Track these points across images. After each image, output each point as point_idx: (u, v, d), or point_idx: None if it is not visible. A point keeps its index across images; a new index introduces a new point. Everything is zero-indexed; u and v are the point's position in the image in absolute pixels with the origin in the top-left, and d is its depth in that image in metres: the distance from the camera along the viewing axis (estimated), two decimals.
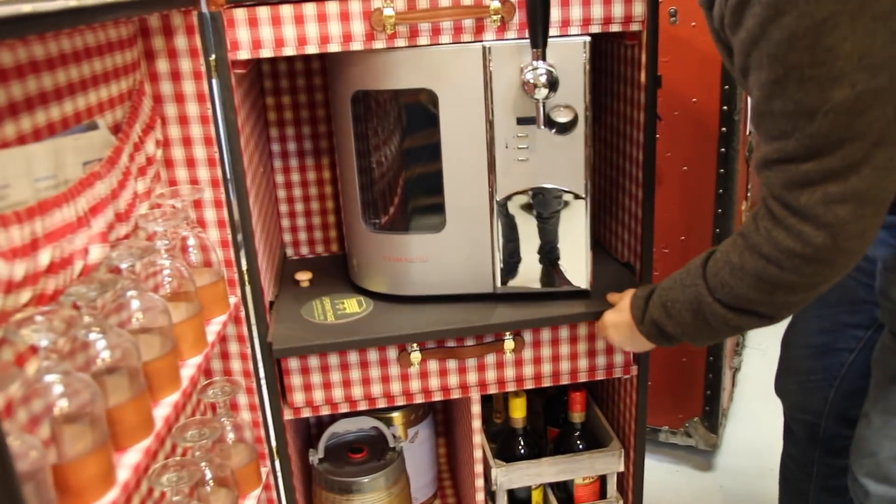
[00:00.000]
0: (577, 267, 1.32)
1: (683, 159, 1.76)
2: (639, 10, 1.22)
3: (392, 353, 1.33)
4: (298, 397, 1.34)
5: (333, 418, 1.59)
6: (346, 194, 1.40)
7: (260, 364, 1.32)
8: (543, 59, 1.16)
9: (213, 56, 1.15)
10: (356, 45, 1.18)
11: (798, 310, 1.01)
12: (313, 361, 1.32)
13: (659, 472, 1.99)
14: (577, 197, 1.27)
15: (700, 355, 1.87)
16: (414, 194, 1.32)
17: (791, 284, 0.94)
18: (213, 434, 1.16)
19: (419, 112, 1.27)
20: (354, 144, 1.33)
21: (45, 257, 0.79)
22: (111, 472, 0.83)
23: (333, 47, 1.18)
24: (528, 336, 1.35)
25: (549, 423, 1.66)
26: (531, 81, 1.16)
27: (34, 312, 0.78)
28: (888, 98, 0.84)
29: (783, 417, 1.46)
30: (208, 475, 1.17)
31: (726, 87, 1.67)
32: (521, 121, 1.23)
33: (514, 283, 1.34)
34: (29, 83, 0.85)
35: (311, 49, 1.17)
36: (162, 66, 1.15)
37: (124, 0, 0.95)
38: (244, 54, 1.16)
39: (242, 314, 1.28)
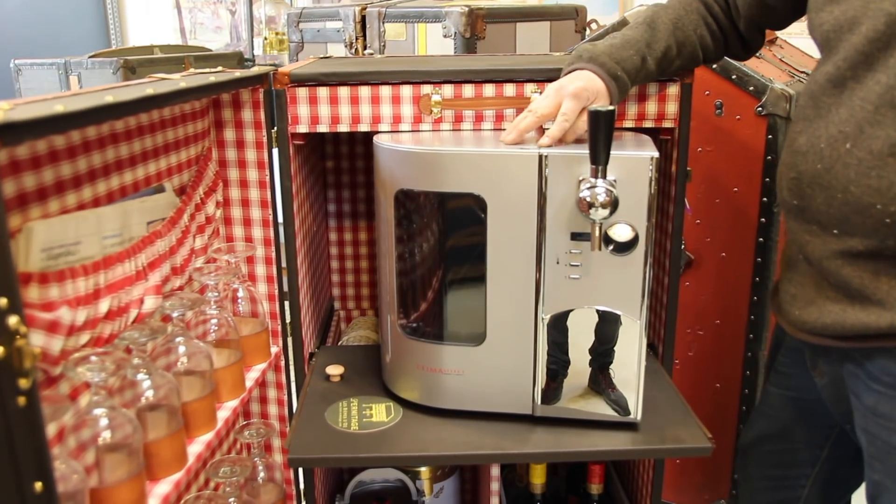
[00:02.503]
0: (626, 395, 1.20)
1: (722, 245, 1.81)
2: (672, 108, 1.30)
3: None
4: None
5: (363, 467, 1.67)
6: (383, 290, 1.29)
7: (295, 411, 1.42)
8: (603, 176, 1.06)
9: (276, 128, 1.28)
10: (405, 126, 1.29)
11: None
12: None
13: None
14: (632, 321, 1.16)
15: (728, 437, 1.89)
16: (453, 303, 1.22)
17: None
18: (243, 472, 1.26)
19: (465, 217, 1.17)
20: (395, 244, 1.22)
21: (104, 306, 0.91)
22: (143, 500, 0.94)
23: (384, 127, 1.29)
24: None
25: (570, 492, 1.71)
26: (587, 200, 1.06)
27: (90, 353, 0.90)
28: None
29: None
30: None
31: (767, 179, 1.72)
32: (576, 236, 1.13)
33: (555, 406, 1.22)
34: (108, 152, 0.99)
35: (364, 128, 1.29)
36: (229, 134, 1.28)
37: (196, 85, 1.09)
38: (303, 128, 1.28)
39: (282, 363, 1.38)
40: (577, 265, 1.14)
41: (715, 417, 1.90)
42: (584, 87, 1.13)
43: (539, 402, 1.22)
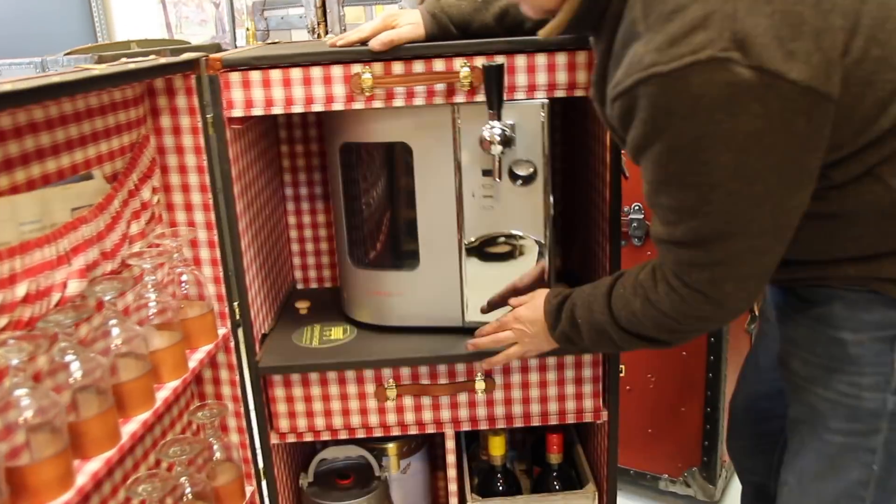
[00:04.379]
0: None
1: None
2: (582, 77, 1.31)
3: (370, 387, 1.44)
4: (284, 423, 1.46)
5: (326, 445, 1.70)
6: (338, 234, 1.55)
7: (248, 390, 1.45)
8: (499, 119, 1.27)
9: (211, 114, 1.30)
10: (337, 106, 1.31)
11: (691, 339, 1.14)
12: (297, 391, 1.44)
13: None
14: (538, 242, 1.40)
15: (697, 404, 1.90)
16: (392, 235, 1.47)
17: (686, 331, 1.06)
18: (192, 450, 1.29)
19: (397, 163, 1.41)
20: (342, 190, 1.48)
21: (21, 290, 0.94)
22: (69, 477, 0.97)
23: (317, 107, 1.31)
24: (498, 378, 1.44)
25: (535, 463, 1.73)
26: (487, 139, 1.28)
27: (8, 336, 0.92)
28: (764, 200, 0.91)
29: None
30: (188, 489, 1.30)
31: None
32: (486, 173, 1.36)
33: (480, 318, 1.44)
34: (26, 141, 1.01)
35: (297, 109, 1.31)
36: (165, 121, 1.30)
37: (131, 69, 1.12)
38: (238, 112, 1.30)
39: (232, 344, 1.41)
40: (489, 196, 1.38)
41: (682, 385, 1.91)
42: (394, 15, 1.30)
43: (468, 316, 1.45)
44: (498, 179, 1.34)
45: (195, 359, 1.29)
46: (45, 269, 0.99)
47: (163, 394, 1.18)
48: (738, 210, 0.91)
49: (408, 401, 1.46)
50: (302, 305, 1.64)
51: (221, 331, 1.39)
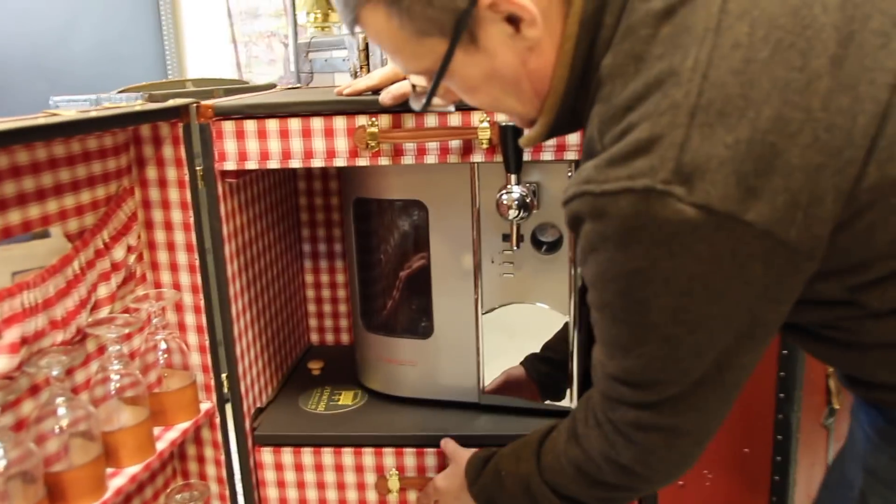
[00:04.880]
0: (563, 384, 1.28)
1: None
2: None
3: (370, 476, 1.27)
4: None
5: None
6: (352, 294, 1.44)
7: (236, 469, 1.30)
8: (517, 182, 1.14)
9: (202, 166, 1.17)
10: (339, 162, 1.16)
11: None
12: (289, 476, 1.29)
13: None
14: (561, 315, 1.24)
15: (766, 448, 1.65)
16: (406, 299, 1.36)
17: (609, 484, 0.87)
18: None
19: (411, 222, 1.30)
20: (356, 246, 1.37)
21: None
22: None
23: (317, 163, 1.17)
24: None
25: None
26: (505, 203, 1.14)
27: None
28: (707, 352, 0.74)
29: None
30: None
31: None
32: (507, 237, 1.23)
33: (499, 394, 1.31)
34: None
35: (295, 163, 1.17)
36: (151, 173, 1.18)
37: (107, 115, 1.00)
38: (231, 165, 1.17)
39: (218, 420, 1.27)
40: (510, 263, 1.23)
41: (744, 487, 1.67)
42: None
43: (483, 390, 1.31)
44: (515, 248, 1.20)
45: (167, 438, 1.15)
46: None
47: (118, 481, 1.04)
48: (676, 357, 0.75)
49: (412, 494, 1.28)
50: (315, 366, 1.53)
51: (206, 405, 1.25)
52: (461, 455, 1.14)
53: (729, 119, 0.65)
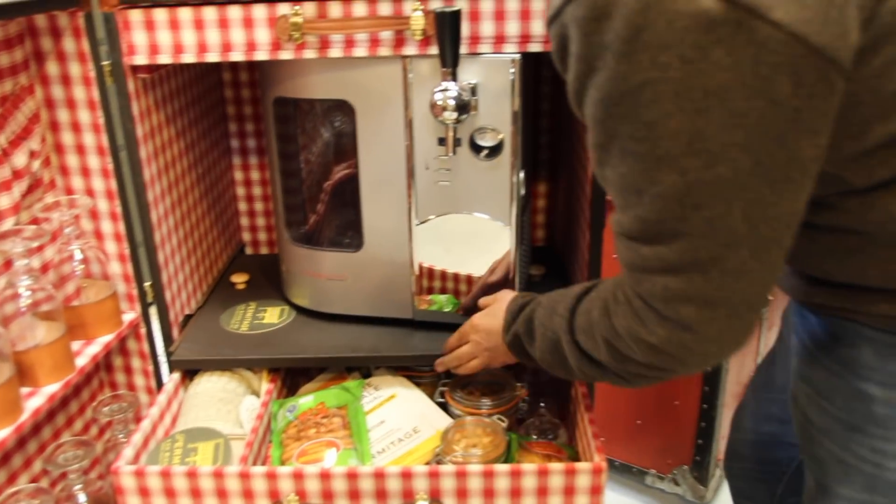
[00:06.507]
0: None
1: None
2: (538, 29, 1.05)
3: (262, 502, 1.02)
4: None
5: None
6: (275, 200, 1.31)
7: (165, 380, 1.26)
8: (453, 79, 1.03)
9: (109, 60, 1.06)
10: (261, 55, 1.07)
11: (655, 383, 0.84)
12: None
13: None
14: (504, 227, 1.15)
15: (693, 400, 1.68)
16: (332, 209, 1.25)
17: (640, 363, 0.78)
18: (88, 455, 1.11)
19: (337, 124, 1.19)
20: (277, 151, 1.25)
21: None
22: None
23: (236, 56, 1.07)
24: (449, 502, 1.01)
25: None
26: (439, 104, 1.04)
27: None
28: (732, 194, 0.65)
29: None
30: (82, 499, 1.13)
31: None
32: (443, 141, 1.11)
33: (433, 310, 1.23)
34: None
35: (213, 57, 1.07)
36: (52, 68, 1.08)
37: None
38: (141, 59, 1.07)
39: (143, 331, 1.21)
40: (447, 169, 1.12)
41: (677, 380, 1.69)
42: None
43: (417, 306, 1.22)
44: (451, 153, 1.10)
45: (89, 353, 1.10)
46: None
47: (35, 401, 0.99)
48: (696, 201, 0.66)
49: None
50: (239, 280, 1.43)
51: (130, 316, 1.19)
52: (504, 296, 1.08)
53: None
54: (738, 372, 1.76)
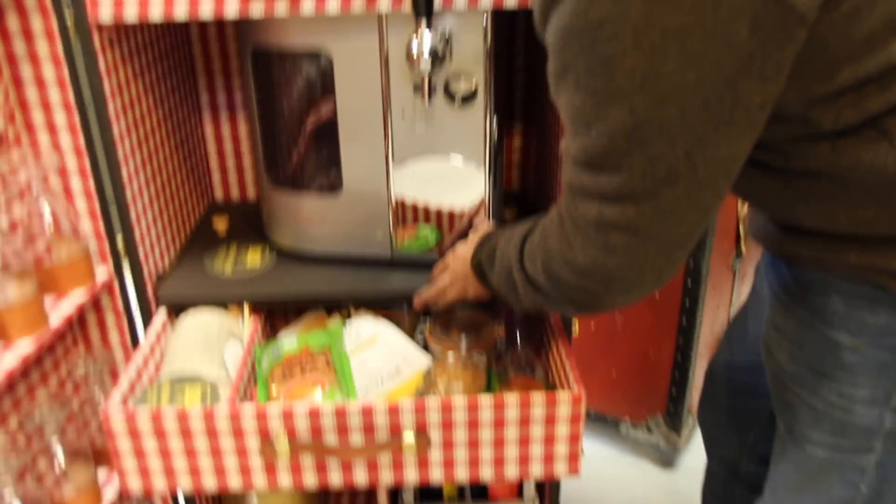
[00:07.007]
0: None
1: None
2: None
3: (252, 440, 1.04)
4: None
5: None
6: (255, 147, 1.33)
7: (140, 336, 1.26)
8: (428, 28, 1.04)
9: (72, 13, 1.05)
10: (230, 13, 1.05)
11: (591, 315, 0.87)
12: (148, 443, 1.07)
13: (616, 463, 1.88)
14: (477, 169, 1.19)
15: (668, 350, 1.72)
16: (311, 153, 1.27)
17: (570, 286, 0.80)
18: (65, 410, 1.13)
19: (315, 73, 1.19)
20: (256, 101, 1.26)
21: None
22: None
23: (205, 14, 1.04)
24: (435, 434, 1.04)
25: None
26: (414, 54, 1.06)
27: None
28: (677, 134, 0.67)
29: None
30: (59, 452, 1.14)
31: None
32: (418, 89, 1.14)
33: (412, 250, 1.27)
34: None
35: (181, 15, 1.05)
36: (11, 22, 1.05)
37: None
38: (106, 15, 1.05)
39: (117, 285, 1.21)
40: (422, 118, 1.16)
41: (652, 329, 1.73)
42: None
43: (396, 247, 1.26)
44: (426, 103, 1.13)
45: (62, 310, 1.10)
46: None
47: (9, 359, 1.00)
48: (641, 137, 0.68)
49: (307, 460, 1.06)
50: (220, 226, 1.44)
51: (102, 272, 1.19)
52: (484, 224, 1.11)
53: None
54: (712, 324, 1.80)
